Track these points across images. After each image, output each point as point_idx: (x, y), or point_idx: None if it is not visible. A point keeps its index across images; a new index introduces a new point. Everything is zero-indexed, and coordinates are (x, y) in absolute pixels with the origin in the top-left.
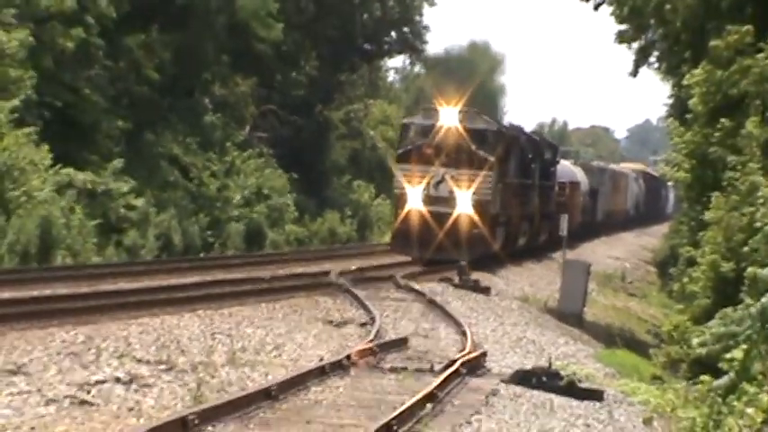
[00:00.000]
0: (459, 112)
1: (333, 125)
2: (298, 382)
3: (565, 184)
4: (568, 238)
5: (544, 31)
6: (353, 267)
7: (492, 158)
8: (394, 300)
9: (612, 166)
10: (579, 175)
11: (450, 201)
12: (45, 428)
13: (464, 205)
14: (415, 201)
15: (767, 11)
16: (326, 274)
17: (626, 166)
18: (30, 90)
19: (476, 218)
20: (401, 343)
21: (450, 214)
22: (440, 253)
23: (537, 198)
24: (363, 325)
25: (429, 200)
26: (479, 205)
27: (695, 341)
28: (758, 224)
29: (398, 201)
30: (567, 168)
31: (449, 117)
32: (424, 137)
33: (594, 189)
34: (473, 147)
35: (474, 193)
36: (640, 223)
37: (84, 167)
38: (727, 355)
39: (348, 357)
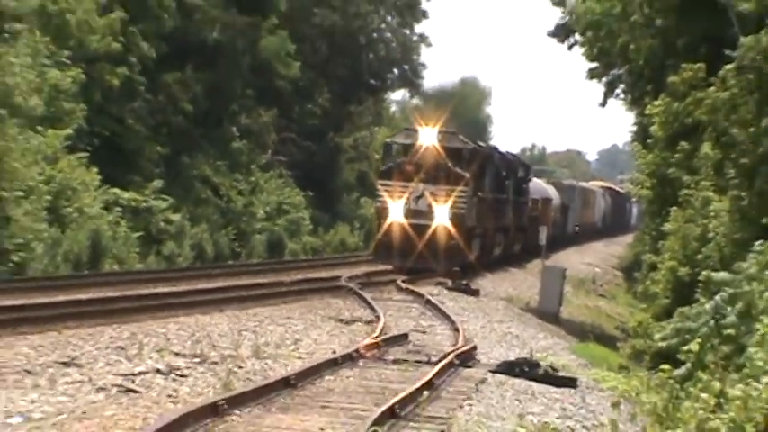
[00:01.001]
0: (438, 132)
1: (343, 150)
2: (313, 372)
3: (538, 200)
4: (537, 249)
5: (525, 66)
6: (360, 272)
7: (467, 175)
8: (396, 301)
9: (582, 183)
10: (551, 191)
11: (428, 214)
12: (95, 413)
13: (441, 218)
14: (396, 214)
15: (718, 50)
16: (337, 278)
17: (594, 184)
18: (81, 120)
19: (452, 230)
20: (402, 338)
21: (429, 226)
22: (419, 262)
23: (511, 212)
24: (370, 323)
25: (409, 213)
26: (456, 218)
27: (656, 335)
28: (710, 234)
29: (381, 214)
30: (539, 186)
31: (428, 137)
32: (405, 155)
33: (566, 205)
34: (450, 164)
35: (451, 207)
36: (608, 234)
37: (129, 187)
38: (684, 348)
39: (357, 351)
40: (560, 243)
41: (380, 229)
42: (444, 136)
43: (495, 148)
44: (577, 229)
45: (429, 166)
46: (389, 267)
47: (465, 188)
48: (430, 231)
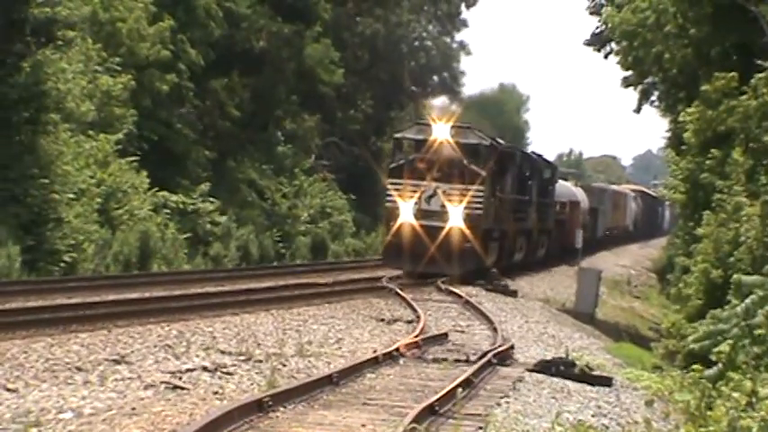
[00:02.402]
0: (452, 126)
1: (384, 154)
2: (355, 370)
3: (565, 203)
4: (564, 254)
5: (562, 73)
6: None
7: (484, 173)
8: (436, 301)
9: (613, 186)
10: (579, 194)
11: (441, 215)
12: (144, 409)
13: (455, 219)
14: (406, 215)
15: (749, 60)
16: (379, 279)
17: (625, 187)
18: (131, 125)
19: (467, 232)
20: (442, 337)
21: (442, 228)
22: (431, 266)
23: (535, 214)
24: (410, 322)
25: (421, 214)
26: (470, 219)
27: (689, 337)
28: (742, 238)
29: (390, 215)
30: (567, 188)
31: (441, 132)
32: (417, 151)
33: (595, 208)
34: (465, 161)
35: (465, 208)
36: (639, 238)
37: (177, 190)
38: (716, 349)
39: (397, 349)
40: (590, 247)
41: (390, 231)
42: (459, 131)
43: (518, 147)
44: (608, 232)
45: (442, 162)
46: (428, 271)
47: (481, 187)
48: (443, 234)
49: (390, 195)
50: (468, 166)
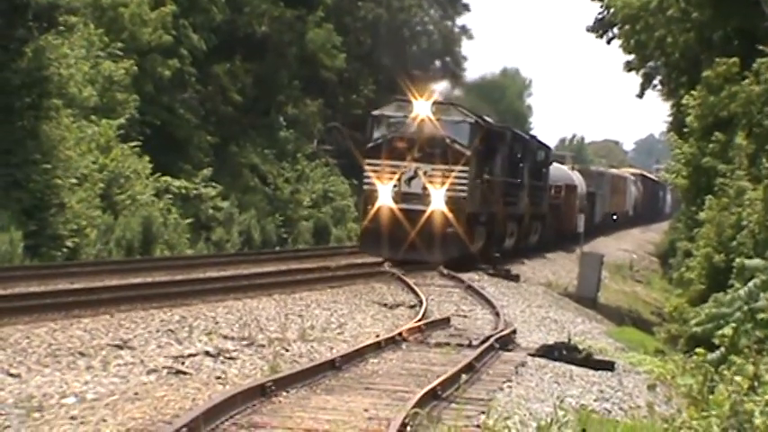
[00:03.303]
0: (434, 103)
1: None
2: (358, 355)
3: (561, 187)
4: (560, 240)
5: (565, 58)
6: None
7: (468, 153)
8: (438, 286)
9: (612, 170)
10: (576, 178)
11: (422, 198)
12: (147, 394)
13: (437, 203)
14: (385, 198)
15: (751, 44)
16: (381, 263)
17: (625, 171)
18: (133, 110)
19: (450, 216)
20: (444, 322)
21: (423, 212)
22: (412, 253)
23: (527, 198)
24: (412, 307)
25: (400, 197)
26: (453, 203)
27: (692, 321)
28: (744, 222)
29: (368, 198)
30: (563, 171)
31: (422, 108)
32: (396, 130)
33: (592, 192)
34: (448, 140)
35: (448, 190)
36: (640, 223)
37: (179, 175)
38: (719, 332)
39: (400, 334)
40: (588, 233)
41: (367, 216)
42: (441, 108)
43: (509, 127)
44: (614, 217)
45: (423, 142)
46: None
47: (466, 168)
48: (424, 218)
49: (368, 177)
50: (452, 146)
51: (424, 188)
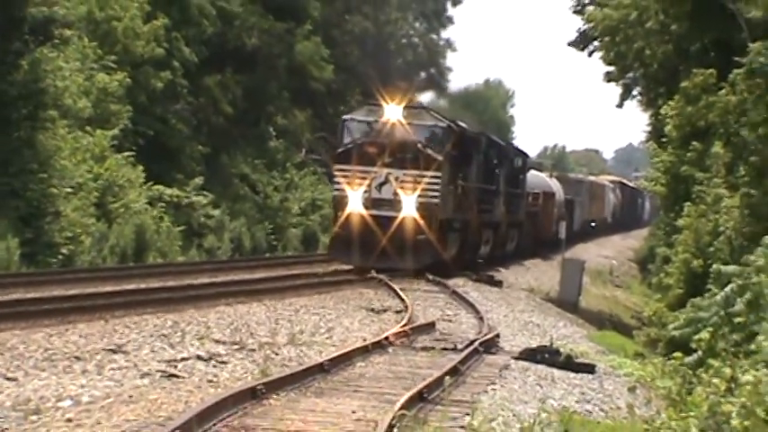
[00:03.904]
0: (405, 107)
1: None
2: (346, 359)
3: (538, 194)
4: (538, 247)
5: (547, 69)
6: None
7: (440, 158)
8: (424, 291)
9: (590, 177)
10: (554, 185)
11: (394, 204)
12: (141, 397)
13: (409, 209)
14: (355, 204)
15: (728, 56)
16: (368, 270)
17: (604, 178)
18: (127, 121)
19: (422, 222)
20: (430, 326)
21: (395, 218)
22: (383, 260)
23: (503, 205)
24: (399, 312)
25: (371, 203)
26: (425, 209)
27: (670, 325)
28: (721, 229)
29: (338, 204)
30: (541, 179)
31: (393, 113)
32: (366, 135)
33: (571, 199)
34: (419, 145)
35: (420, 196)
36: (619, 230)
37: (172, 184)
38: (697, 336)
39: (386, 338)
40: (567, 239)
41: (336, 222)
42: (413, 112)
43: (485, 133)
44: (592, 224)
45: (395, 146)
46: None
47: (438, 173)
48: (395, 224)
49: (338, 183)
50: (424, 151)
51: (396, 194)
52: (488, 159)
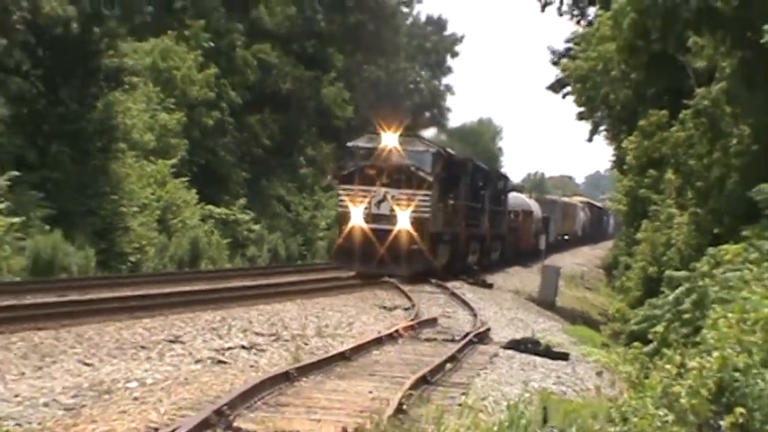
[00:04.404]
0: (400, 135)
1: None
2: (363, 348)
3: (519, 212)
4: (516, 257)
5: (529, 108)
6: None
7: (431, 179)
8: (427, 292)
9: (564, 198)
10: (532, 205)
11: (390, 218)
12: (195, 379)
13: (403, 223)
14: (357, 218)
15: (678, 99)
16: (382, 275)
17: (575, 199)
18: (184, 152)
19: (414, 234)
20: (432, 321)
21: (391, 231)
22: (381, 267)
23: (487, 221)
24: (407, 309)
25: (371, 218)
26: (418, 223)
27: (631, 320)
28: (673, 241)
29: (342, 219)
30: (520, 199)
31: (390, 140)
32: (367, 159)
33: (547, 217)
34: (412, 168)
35: (413, 212)
36: (588, 242)
37: (220, 204)
38: (652, 330)
39: (397, 331)
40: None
41: (341, 234)
42: (407, 139)
43: (471, 159)
44: (566, 237)
45: (391, 169)
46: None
47: (428, 192)
48: (392, 236)
49: (342, 200)
50: (416, 173)
51: (392, 210)
52: (474, 181)
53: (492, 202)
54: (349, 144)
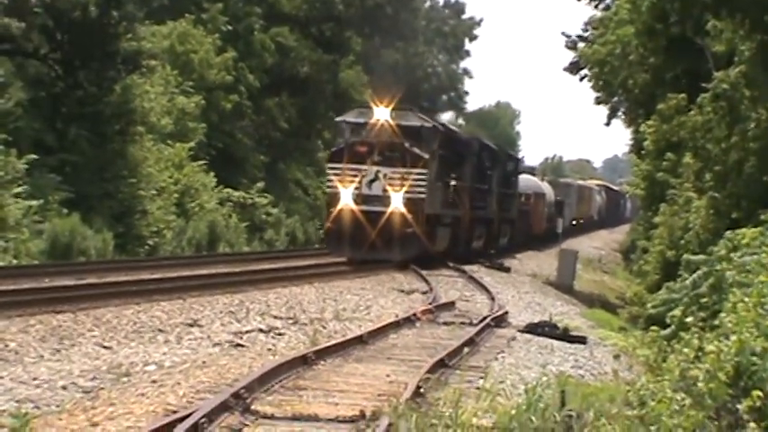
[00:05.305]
0: (393, 109)
1: None
2: (381, 332)
3: (530, 195)
4: (528, 241)
5: (548, 91)
6: None
7: (426, 156)
8: (445, 276)
9: (579, 181)
10: (545, 188)
11: (383, 199)
12: (213, 362)
13: (397, 204)
14: (347, 200)
15: (696, 83)
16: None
17: (591, 182)
18: (202, 136)
19: (408, 217)
20: (450, 305)
21: (383, 213)
22: (373, 252)
23: (495, 204)
24: (425, 293)
25: (362, 199)
26: (412, 204)
27: (649, 304)
28: (691, 225)
29: (331, 200)
30: (533, 182)
31: (382, 114)
32: (357, 135)
33: (560, 201)
34: (406, 144)
35: (406, 192)
36: (605, 226)
37: (238, 187)
38: (670, 313)
39: (414, 315)
40: (556, 237)
41: (330, 217)
42: (400, 113)
43: (478, 138)
44: (574, 222)
45: (383, 146)
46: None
47: (424, 170)
48: (384, 219)
49: (330, 180)
50: (410, 150)
51: (384, 190)
52: (481, 161)
53: (501, 184)
54: (337, 119)
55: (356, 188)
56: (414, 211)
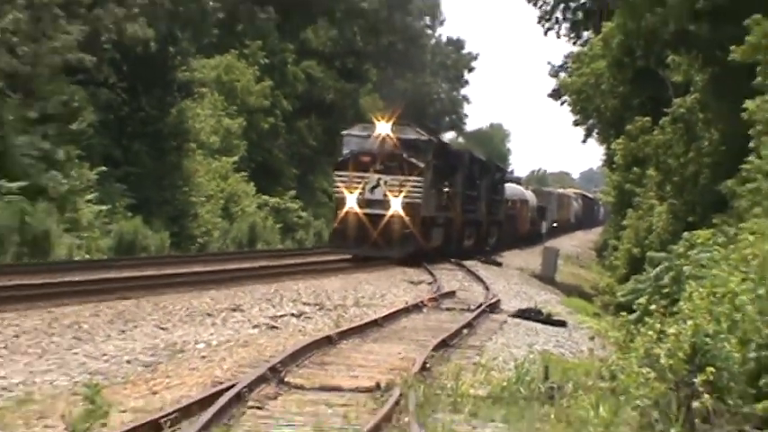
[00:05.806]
0: (393, 124)
1: None
2: (394, 316)
3: (516, 201)
4: (513, 241)
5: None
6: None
7: (422, 165)
8: (447, 269)
9: (559, 190)
10: (528, 195)
11: (383, 203)
12: (252, 341)
13: (396, 208)
14: (352, 204)
15: (659, 108)
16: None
17: (570, 191)
18: (244, 152)
19: (406, 219)
20: (452, 294)
21: (384, 216)
22: (374, 250)
23: (484, 208)
24: (430, 283)
25: (364, 203)
26: (409, 207)
27: (618, 294)
28: (654, 227)
29: (338, 204)
30: (518, 190)
31: (383, 128)
32: (361, 147)
33: (543, 206)
34: (405, 155)
35: (404, 197)
36: (581, 228)
37: (273, 195)
38: (637, 301)
39: (422, 302)
40: (539, 236)
41: (336, 219)
42: (399, 128)
43: (469, 150)
44: (555, 225)
45: (384, 156)
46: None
47: (420, 178)
48: (384, 220)
49: (337, 187)
50: (408, 159)
51: (385, 195)
52: (472, 171)
53: (489, 191)
54: (343, 132)
55: (360, 193)
56: (411, 214)
